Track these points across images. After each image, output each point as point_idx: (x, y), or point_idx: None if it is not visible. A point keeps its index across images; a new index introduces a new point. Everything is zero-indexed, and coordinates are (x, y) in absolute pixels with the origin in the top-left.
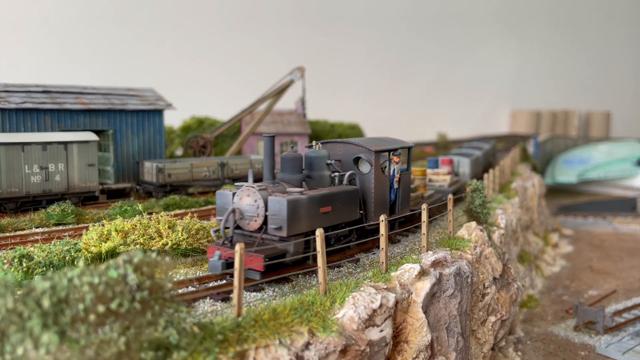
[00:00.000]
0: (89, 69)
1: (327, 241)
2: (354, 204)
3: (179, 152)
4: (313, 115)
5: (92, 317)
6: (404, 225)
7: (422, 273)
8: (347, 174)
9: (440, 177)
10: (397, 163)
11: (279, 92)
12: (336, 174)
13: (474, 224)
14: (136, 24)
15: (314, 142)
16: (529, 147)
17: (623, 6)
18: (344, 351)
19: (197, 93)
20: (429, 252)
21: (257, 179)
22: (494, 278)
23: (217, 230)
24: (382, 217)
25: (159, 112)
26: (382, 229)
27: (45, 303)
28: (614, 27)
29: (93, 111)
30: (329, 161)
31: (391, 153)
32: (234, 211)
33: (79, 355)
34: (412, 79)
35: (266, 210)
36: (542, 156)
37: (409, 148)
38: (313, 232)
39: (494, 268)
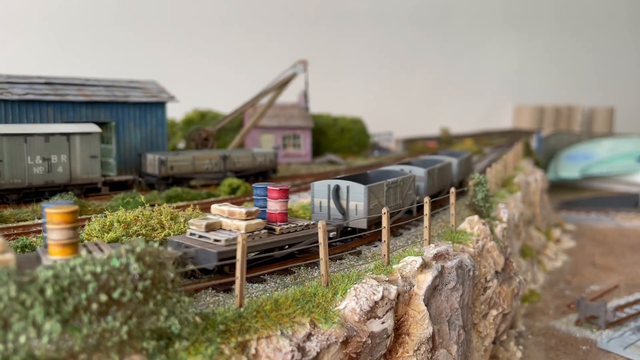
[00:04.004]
0: (92, 61)
1: None
2: None
3: (182, 144)
4: (316, 109)
5: (94, 306)
6: None
7: (424, 266)
8: None
9: (233, 222)
10: None
11: (282, 85)
12: None
13: (476, 217)
14: (139, 17)
15: None
16: (532, 142)
17: (627, 1)
18: (345, 342)
19: (199, 86)
20: (431, 245)
21: (252, 174)
22: (496, 272)
23: None
24: (385, 210)
25: (161, 105)
26: (385, 223)
27: (48, 292)
28: (618, 23)
29: (95, 103)
30: None
31: None
32: None
33: (82, 343)
34: (416, 73)
35: None
36: (545, 151)
37: None
38: None
39: (496, 262)
